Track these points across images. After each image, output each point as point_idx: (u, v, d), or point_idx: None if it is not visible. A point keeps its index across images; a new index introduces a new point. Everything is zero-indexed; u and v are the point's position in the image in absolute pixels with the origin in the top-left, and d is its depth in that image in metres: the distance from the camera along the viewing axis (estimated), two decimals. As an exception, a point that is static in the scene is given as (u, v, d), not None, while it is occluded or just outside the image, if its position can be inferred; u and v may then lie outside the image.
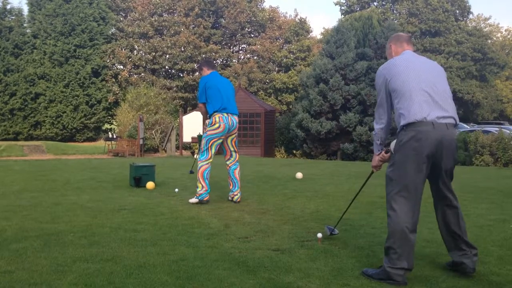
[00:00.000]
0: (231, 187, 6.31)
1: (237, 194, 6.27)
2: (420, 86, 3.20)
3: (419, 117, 3.12)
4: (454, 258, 3.38)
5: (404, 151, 3.16)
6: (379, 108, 3.42)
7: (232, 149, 6.31)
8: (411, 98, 3.17)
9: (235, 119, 6.16)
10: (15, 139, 27.14)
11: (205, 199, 6.03)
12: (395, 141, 3.30)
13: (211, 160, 6.12)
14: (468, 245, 3.32)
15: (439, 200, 3.36)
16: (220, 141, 6.12)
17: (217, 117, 6.03)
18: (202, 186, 6.03)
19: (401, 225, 3.14)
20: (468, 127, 28.10)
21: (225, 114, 6.05)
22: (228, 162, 6.35)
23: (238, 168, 6.36)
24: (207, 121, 6.17)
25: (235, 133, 6.25)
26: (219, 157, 6.63)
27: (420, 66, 3.32)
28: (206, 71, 6.32)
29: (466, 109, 36.99)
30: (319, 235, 4.21)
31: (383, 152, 3.55)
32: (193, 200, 6.07)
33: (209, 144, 6.07)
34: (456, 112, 3.31)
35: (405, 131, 3.17)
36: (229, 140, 6.26)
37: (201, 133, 6.03)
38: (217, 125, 6.01)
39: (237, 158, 6.36)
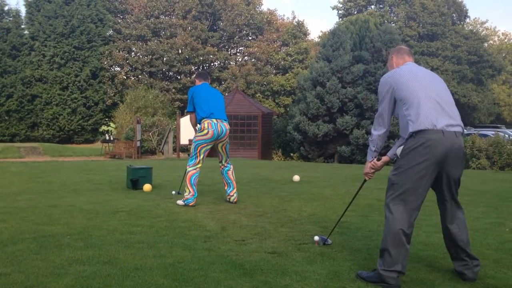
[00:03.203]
0: (226, 188, 6.39)
1: (233, 195, 6.31)
2: (428, 94, 3.23)
3: (429, 124, 3.14)
4: (456, 268, 3.41)
5: (411, 157, 3.17)
6: (380, 115, 3.44)
7: (223, 154, 6.35)
8: (420, 106, 3.19)
9: (225, 125, 6.14)
10: (11, 140, 27.02)
11: (190, 204, 6.03)
12: (401, 147, 3.31)
13: (199, 165, 6.15)
14: (469, 256, 3.33)
15: (445, 209, 3.37)
16: (209, 146, 6.12)
17: (205, 123, 6.05)
18: (189, 191, 6.05)
19: (397, 228, 3.16)
20: (465, 130, 28.15)
21: (214, 120, 6.06)
22: (220, 164, 6.43)
23: (232, 169, 6.40)
24: (197, 127, 6.22)
25: (225, 139, 6.23)
26: (215, 159, 6.65)
27: (424, 76, 3.36)
28: (198, 83, 6.46)
29: (463, 112, 37.05)
30: (316, 238, 4.21)
31: (375, 160, 3.56)
32: (180, 202, 6.12)
33: (198, 150, 6.09)
34: (461, 120, 3.33)
35: (414, 138, 3.18)
36: (219, 146, 6.27)
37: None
38: (205, 131, 6.03)
39: (228, 160, 6.41)
